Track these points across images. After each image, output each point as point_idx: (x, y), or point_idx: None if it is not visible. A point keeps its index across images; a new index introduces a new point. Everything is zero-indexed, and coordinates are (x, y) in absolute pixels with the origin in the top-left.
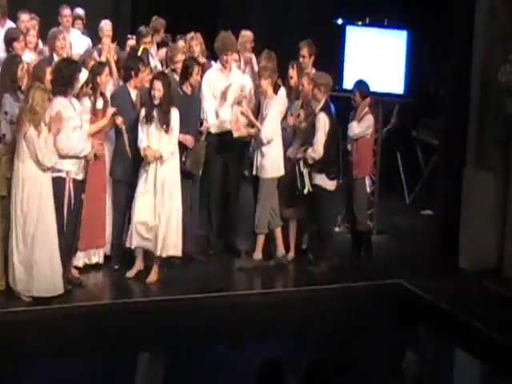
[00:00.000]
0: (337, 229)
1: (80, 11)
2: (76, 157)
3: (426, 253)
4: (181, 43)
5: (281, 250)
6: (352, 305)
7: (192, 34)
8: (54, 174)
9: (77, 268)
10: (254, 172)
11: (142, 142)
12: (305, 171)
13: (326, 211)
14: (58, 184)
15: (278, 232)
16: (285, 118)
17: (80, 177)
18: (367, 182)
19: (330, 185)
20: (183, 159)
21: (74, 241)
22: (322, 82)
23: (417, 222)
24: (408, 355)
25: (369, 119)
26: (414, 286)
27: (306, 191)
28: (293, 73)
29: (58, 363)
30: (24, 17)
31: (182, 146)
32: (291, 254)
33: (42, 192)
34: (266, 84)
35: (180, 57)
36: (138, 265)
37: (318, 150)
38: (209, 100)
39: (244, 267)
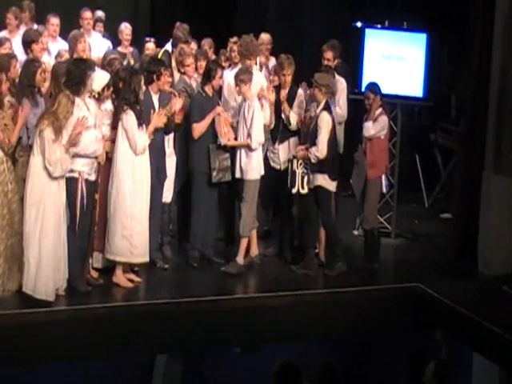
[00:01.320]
0: (355, 232)
1: (101, 14)
2: (87, 156)
3: (444, 256)
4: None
5: (254, 251)
6: (369, 308)
7: (235, 38)
8: (67, 175)
9: (97, 269)
10: (238, 175)
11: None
12: (298, 171)
13: (330, 212)
14: (71, 184)
15: (254, 233)
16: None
17: (92, 177)
18: (383, 182)
19: (332, 186)
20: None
21: (88, 241)
22: (324, 83)
23: (435, 225)
24: (430, 365)
25: (383, 120)
26: (432, 289)
27: (294, 191)
28: None
29: (71, 365)
30: (54, 20)
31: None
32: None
33: (45, 190)
34: (246, 88)
35: (189, 60)
36: None
37: (322, 149)
38: (229, 102)
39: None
